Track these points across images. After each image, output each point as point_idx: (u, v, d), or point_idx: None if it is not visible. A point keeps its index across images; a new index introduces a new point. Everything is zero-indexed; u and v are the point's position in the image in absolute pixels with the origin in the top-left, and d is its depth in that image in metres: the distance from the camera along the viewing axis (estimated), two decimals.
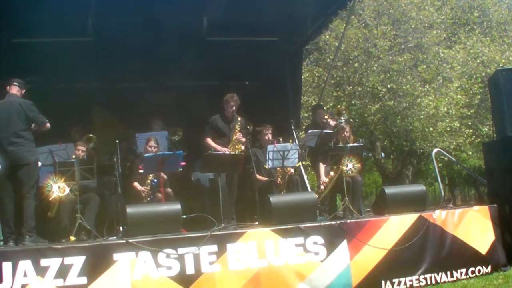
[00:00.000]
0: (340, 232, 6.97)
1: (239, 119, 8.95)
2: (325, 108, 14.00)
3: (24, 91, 7.63)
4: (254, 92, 11.17)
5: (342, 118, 9.42)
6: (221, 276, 6.38)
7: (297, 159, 8.87)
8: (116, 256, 6.12)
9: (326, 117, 10.15)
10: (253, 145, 9.24)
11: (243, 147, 8.88)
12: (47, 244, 6.77)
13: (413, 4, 18.56)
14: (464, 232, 7.46)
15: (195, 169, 9.71)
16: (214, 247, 6.46)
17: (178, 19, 9.06)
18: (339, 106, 11.51)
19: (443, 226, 7.39)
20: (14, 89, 7.53)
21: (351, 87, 18.68)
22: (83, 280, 5.94)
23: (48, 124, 7.50)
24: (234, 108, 8.94)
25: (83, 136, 9.15)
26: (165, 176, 8.45)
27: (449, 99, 18.11)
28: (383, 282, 6.95)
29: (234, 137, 8.84)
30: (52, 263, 5.91)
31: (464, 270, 7.30)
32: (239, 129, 8.89)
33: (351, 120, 9.45)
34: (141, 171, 8.44)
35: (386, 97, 18.11)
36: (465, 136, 19.20)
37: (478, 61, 19.00)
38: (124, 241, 6.27)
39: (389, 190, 8.13)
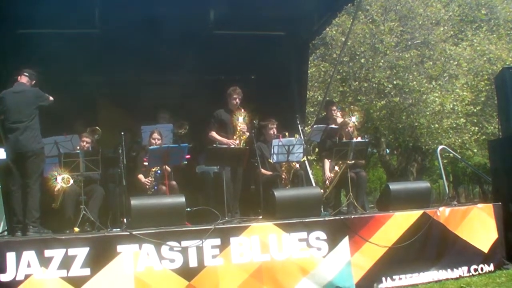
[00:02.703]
0: (343, 228, 6.98)
1: (243, 111, 8.95)
2: None
3: (34, 82, 7.68)
4: (260, 87, 11.16)
5: (352, 117, 9.36)
6: (224, 270, 6.41)
7: (302, 154, 8.85)
8: (119, 248, 6.15)
9: (334, 110, 10.12)
10: (258, 139, 9.23)
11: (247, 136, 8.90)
12: (51, 235, 6.80)
13: (420, 0, 18.49)
14: (467, 230, 7.45)
15: (199, 162, 9.70)
16: (217, 241, 6.48)
17: (185, 13, 9.02)
18: (352, 106, 11.47)
19: (446, 224, 7.39)
20: (24, 79, 7.61)
21: (357, 83, 18.62)
22: (87, 271, 5.98)
23: (50, 97, 7.63)
24: (237, 100, 8.94)
25: (87, 128, 9.14)
26: (169, 169, 8.45)
27: (455, 96, 18.06)
28: (383, 278, 6.96)
29: (239, 128, 8.84)
30: (56, 254, 5.94)
31: (466, 268, 7.30)
32: (242, 120, 8.89)
33: (358, 121, 9.39)
34: (145, 163, 8.44)
35: (392, 93, 18.06)
36: (471, 133, 19.14)
37: (485, 58, 18.91)
38: (128, 233, 6.30)
39: (394, 186, 8.15)
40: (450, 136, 18.60)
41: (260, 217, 7.98)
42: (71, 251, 5.99)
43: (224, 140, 8.78)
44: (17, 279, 5.79)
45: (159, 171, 8.48)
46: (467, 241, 7.42)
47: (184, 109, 10.46)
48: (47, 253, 5.92)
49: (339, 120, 9.81)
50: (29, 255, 5.86)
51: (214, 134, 8.91)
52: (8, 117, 7.28)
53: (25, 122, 7.25)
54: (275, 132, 9.22)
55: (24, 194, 7.17)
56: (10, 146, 7.20)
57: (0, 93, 7.51)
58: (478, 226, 7.56)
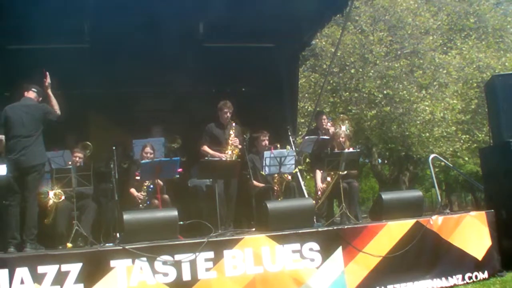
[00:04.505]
0: (336, 238, 6.99)
1: (234, 124, 8.99)
2: None
3: (41, 99, 7.66)
4: (251, 98, 11.19)
5: (343, 127, 9.43)
6: (218, 283, 6.39)
7: (294, 165, 8.88)
8: (113, 263, 6.12)
9: (324, 120, 10.17)
10: (249, 151, 9.26)
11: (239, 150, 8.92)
12: (44, 251, 6.76)
13: (409, 10, 18.59)
14: (460, 238, 7.48)
15: (191, 175, 9.71)
16: (210, 254, 6.47)
17: (175, 24, 9.06)
18: (342, 115, 11.54)
19: (439, 232, 7.41)
20: (32, 95, 7.62)
21: (347, 93, 18.69)
22: (80, 287, 5.94)
23: (58, 111, 7.63)
24: (228, 114, 8.98)
25: (78, 143, 9.14)
26: (161, 183, 8.46)
27: (445, 105, 18.15)
28: None
29: (230, 142, 8.87)
30: (49, 270, 5.90)
31: (460, 276, 7.32)
32: (233, 134, 8.92)
33: (349, 130, 9.45)
34: (137, 177, 8.44)
35: (382, 103, 18.12)
36: (462, 141, 19.23)
37: (474, 66, 19.03)
38: (121, 247, 6.27)
39: (386, 195, 8.14)
40: (442, 144, 18.68)
41: (253, 229, 8.00)
42: (64, 267, 5.95)
43: (216, 154, 8.81)
44: None
45: (151, 186, 8.49)
46: (461, 248, 7.45)
47: (175, 122, 10.47)
48: (40, 269, 5.88)
49: (330, 130, 9.86)
50: (22, 272, 5.82)
51: (206, 148, 8.95)
52: (14, 130, 7.24)
53: (29, 138, 7.22)
54: (267, 144, 9.25)
55: (22, 209, 7.14)
56: (14, 159, 7.17)
57: (5, 106, 7.48)
58: (471, 233, 7.59)
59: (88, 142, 9.23)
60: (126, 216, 6.72)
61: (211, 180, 8.78)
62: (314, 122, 11.04)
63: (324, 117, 10.48)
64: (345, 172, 8.70)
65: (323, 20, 10.84)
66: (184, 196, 9.44)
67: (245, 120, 9.48)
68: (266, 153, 8.68)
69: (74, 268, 5.97)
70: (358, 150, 9.60)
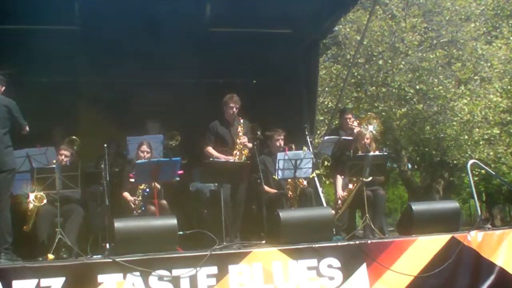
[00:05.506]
0: (359, 254, 6.95)
1: (241, 120, 8.91)
2: None
3: (4, 88, 7.61)
4: (263, 92, 11.18)
5: (369, 126, 9.33)
6: None
7: (311, 169, 8.83)
8: (100, 277, 6.12)
9: (350, 119, 10.07)
10: (261, 152, 9.22)
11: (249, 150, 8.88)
12: (21, 262, 6.74)
13: None
14: (503, 257, 7.37)
15: (194, 178, 9.69)
16: (214, 269, 6.46)
17: (178, 7, 9.04)
18: (369, 114, 11.43)
19: (479, 250, 7.33)
20: None
21: (374, 88, 18.66)
22: None
23: (27, 128, 7.54)
24: (234, 110, 8.91)
25: (66, 138, 9.13)
26: (159, 186, 8.43)
27: (487, 103, 18.04)
28: None
29: (239, 141, 8.81)
30: (26, 285, 5.90)
31: None
32: (242, 131, 8.85)
33: (377, 130, 9.34)
34: (132, 179, 8.41)
35: (414, 99, 18.08)
36: (506, 145, 19.10)
37: None
38: (111, 260, 6.27)
39: (417, 206, 8.08)
40: (482, 149, 18.57)
41: (263, 241, 7.98)
42: (44, 282, 5.94)
43: (222, 156, 8.75)
44: None
45: (147, 189, 8.45)
46: (506, 270, 7.33)
47: (176, 117, 10.46)
48: (16, 284, 5.87)
49: (355, 130, 9.79)
50: None
51: (210, 149, 8.89)
52: None
53: None
54: (282, 144, 9.20)
55: None
56: None
57: None
58: None
59: (74, 137, 9.21)
60: (118, 224, 6.71)
61: (216, 184, 8.76)
62: (336, 120, 10.98)
63: (350, 116, 10.30)
64: (370, 178, 8.63)
65: (348, 3, 10.80)
66: (184, 202, 9.46)
67: (256, 117, 9.44)
68: (280, 155, 8.62)
69: (55, 283, 5.96)
70: (385, 153, 9.51)
